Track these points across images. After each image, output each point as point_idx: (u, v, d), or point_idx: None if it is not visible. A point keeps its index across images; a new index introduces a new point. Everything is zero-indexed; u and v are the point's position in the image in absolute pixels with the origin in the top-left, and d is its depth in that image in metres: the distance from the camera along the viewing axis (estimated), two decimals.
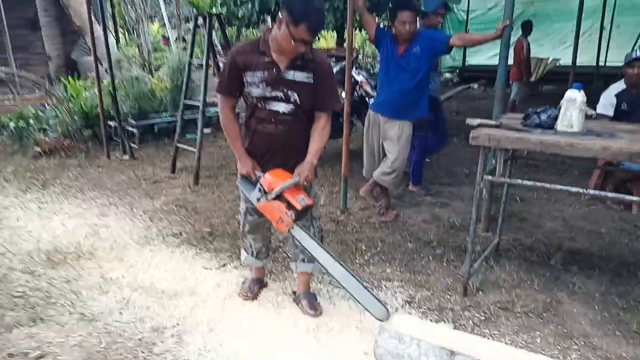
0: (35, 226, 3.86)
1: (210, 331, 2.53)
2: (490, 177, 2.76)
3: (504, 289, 2.96)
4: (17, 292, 2.89)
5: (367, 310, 2.30)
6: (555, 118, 2.67)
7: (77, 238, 3.63)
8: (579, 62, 9.73)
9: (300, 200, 2.30)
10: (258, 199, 2.37)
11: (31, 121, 6.24)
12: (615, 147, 2.33)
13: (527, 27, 7.72)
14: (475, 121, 2.80)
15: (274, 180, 2.32)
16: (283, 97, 2.36)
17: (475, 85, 12.17)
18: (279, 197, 2.31)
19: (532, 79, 9.51)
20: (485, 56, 12.88)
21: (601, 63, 10.96)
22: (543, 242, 3.57)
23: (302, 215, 2.42)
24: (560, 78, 8.99)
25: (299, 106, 2.38)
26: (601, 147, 2.35)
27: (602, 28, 9.97)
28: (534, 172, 5.28)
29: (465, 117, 4.44)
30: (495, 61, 3.57)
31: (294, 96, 2.36)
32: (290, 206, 2.30)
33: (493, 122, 2.79)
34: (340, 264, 2.34)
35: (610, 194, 2.74)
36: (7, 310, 2.70)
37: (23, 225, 3.89)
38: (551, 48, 12.73)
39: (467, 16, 13.57)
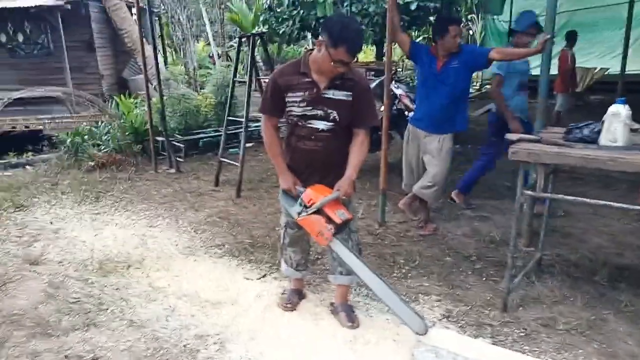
0: (88, 236, 4.10)
1: (251, 340, 2.62)
2: (530, 192, 2.73)
3: (546, 305, 2.90)
4: (73, 298, 3.09)
5: (405, 323, 2.33)
6: (599, 132, 2.63)
7: (126, 248, 3.83)
8: (629, 71, 9.39)
9: (339, 215, 2.37)
10: (299, 213, 2.45)
11: (85, 137, 6.63)
12: None
13: (571, 38, 7.53)
14: (516, 136, 2.79)
15: (315, 195, 2.40)
16: (322, 115, 2.45)
17: None
18: (319, 211, 2.38)
19: (579, 89, 9.24)
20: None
21: None
22: (588, 258, 3.47)
23: (342, 229, 2.47)
24: (609, 88, 8.69)
25: (337, 123, 2.47)
26: None
27: None
28: (579, 186, 5.13)
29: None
30: (538, 72, 3.52)
31: (333, 114, 2.44)
32: (329, 220, 2.37)
33: (533, 137, 2.77)
34: (379, 277, 2.38)
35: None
36: (64, 315, 2.89)
37: (78, 235, 4.13)
38: (599, 57, 12.33)
39: (510, 26, 13.34)
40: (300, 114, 2.46)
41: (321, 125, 2.46)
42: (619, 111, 2.51)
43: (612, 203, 2.60)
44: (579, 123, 2.75)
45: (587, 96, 10.14)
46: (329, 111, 2.44)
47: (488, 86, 14.28)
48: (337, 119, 2.46)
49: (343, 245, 2.43)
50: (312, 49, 2.44)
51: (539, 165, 2.65)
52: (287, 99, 2.46)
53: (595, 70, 10.13)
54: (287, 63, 2.57)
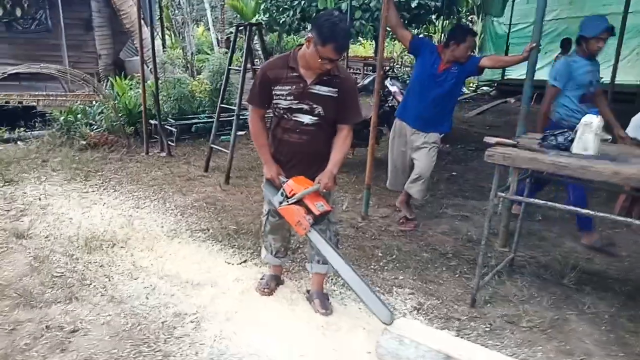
0: (76, 214, 4.17)
1: (226, 320, 2.72)
2: (503, 195, 2.84)
3: (513, 304, 3.03)
4: (57, 272, 3.17)
5: (373, 312, 2.44)
6: (572, 141, 2.73)
7: (113, 227, 3.91)
8: (623, 81, 9.50)
9: (318, 207, 2.47)
10: (280, 203, 2.55)
11: (79, 116, 6.67)
12: (626, 172, 2.39)
13: (566, 45, 7.63)
14: (493, 139, 2.89)
15: (296, 186, 2.50)
16: (308, 109, 2.53)
17: (512, 100, 12.04)
18: (299, 202, 2.48)
19: None
20: (525, 71, 12.72)
21: None
22: (559, 261, 3.59)
23: (320, 220, 2.57)
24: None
25: (322, 118, 2.56)
26: (612, 172, 2.40)
27: None
28: (560, 191, 5.26)
29: (499, 131, 4.35)
30: (535, 76, 3.58)
31: (318, 109, 2.53)
32: (309, 211, 2.47)
33: (510, 141, 2.87)
34: (351, 268, 2.48)
35: (619, 218, 2.75)
36: (47, 288, 2.98)
37: (65, 212, 4.21)
38: None
39: (509, 30, 13.44)
40: (286, 107, 2.54)
41: (306, 119, 2.55)
42: (591, 121, 2.61)
43: (583, 210, 2.70)
44: (555, 130, 2.85)
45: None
46: (314, 106, 2.53)
47: (485, 88, 14.41)
48: (322, 114, 2.54)
49: (320, 236, 2.53)
50: (301, 45, 2.52)
51: (513, 169, 2.76)
52: (274, 92, 2.54)
53: None
54: (276, 57, 2.65)
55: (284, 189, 2.53)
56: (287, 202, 2.51)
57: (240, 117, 5.26)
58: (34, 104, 7.98)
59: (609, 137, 2.75)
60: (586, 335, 2.74)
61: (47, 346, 2.44)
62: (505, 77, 13.88)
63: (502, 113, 10.86)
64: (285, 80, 2.51)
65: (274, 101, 2.57)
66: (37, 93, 8.58)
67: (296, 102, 2.52)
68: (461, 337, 2.64)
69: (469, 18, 15.24)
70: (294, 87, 2.51)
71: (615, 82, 6.96)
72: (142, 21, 9.44)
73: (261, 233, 3.05)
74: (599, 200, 4.99)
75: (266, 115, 2.75)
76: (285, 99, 2.53)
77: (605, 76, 10.21)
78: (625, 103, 9.20)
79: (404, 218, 4.18)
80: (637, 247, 3.97)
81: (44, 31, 10.23)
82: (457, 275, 3.38)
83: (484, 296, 3.07)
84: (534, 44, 3.44)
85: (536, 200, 2.84)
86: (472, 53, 3.80)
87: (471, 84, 15.47)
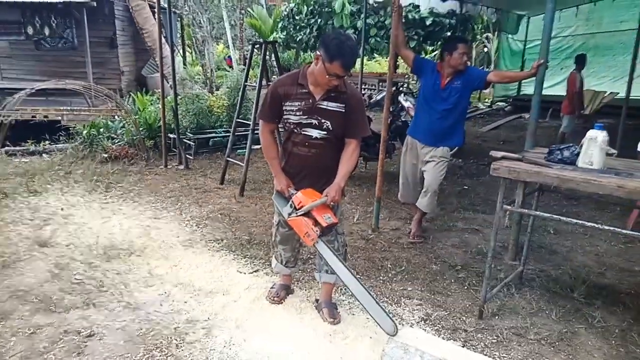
0: (96, 223, 4.32)
1: (237, 328, 2.79)
2: (509, 207, 2.88)
3: (521, 316, 3.04)
4: (76, 279, 3.30)
5: (378, 324, 2.47)
6: (578, 155, 2.77)
7: (130, 236, 4.05)
8: (638, 96, 9.40)
9: (326, 219, 2.55)
10: (289, 214, 2.64)
11: (101, 130, 6.90)
12: (630, 186, 2.41)
13: (580, 61, 7.64)
14: (499, 153, 2.94)
15: (305, 198, 2.58)
16: (317, 124, 2.63)
17: (527, 115, 11.95)
18: (308, 214, 2.57)
19: (587, 112, 9.31)
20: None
21: None
22: (569, 275, 3.59)
23: (327, 232, 2.65)
24: (617, 112, 8.76)
25: (330, 132, 2.65)
26: (616, 186, 2.43)
27: None
28: (574, 206, 5.25)
29: (512, 146, 4.32)
30: (550, 92, 3.62)
31: (327, 124, 2.63)
32: (316, 223, 2.55)
33: (516, 155, 2.92)
34: (357, 279, 2.53)
35: (630, 232, 2.74)
36: (66, 294, 3.10)
37: (86, 222, 4.36)
38: (613, 81, 12.36)
39: (525, 46, 13.44)
40: (296, 121, 2.65)
41: (315, 133, 2.65)
42: (596, 136, 2.65)
43: (588, 223, 2.71)
44: (560, 145, 2.89)
45: (594, 119, 10.18)
46: (323, 121, 2.63)
47: (500, 103, 14.39)
48: (330, 128, 2.64)
49: (327, 247, 2.60)
50: (310, 63, 2.63)
51: (519, 183, 2.80)
52: (284, 108, 2.65)
53: (606, 94, 10.18)
54: (286, 74, 2.75)
55: (292, 201, 2.62)
56: (296, 213, 2.59)
57: (255, 131, 5.39)
58: (59, 118, 8.26)
59: (614, 151, 2.78)
60: (595, 349, 2.74)
61: (65, 349, 2.55)
62: (521, 93, 13.85)
63: (516, 128, 10.83)
64: (294, 97, 2.62)
65: (285, 116, 2.67)
66: (61, 108, 8.89)
67: (305, 117, 2.62)
68: (467, 348, 2.67)
69: (484, 36, 15.29)
70: (303, 103, 2.61)
71: (630, 97, 6.91)
72: (164, 39, 9.75)
73: (272, 243, 3.14)
74: (612, 215, 4.97)
75: (280, 130, 2.85)
76: (295, 114, 2.63)
77: (621, 91, 10.20)
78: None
79: (415, 230, 4.22)
80: None
81: (70, 49, 10.64)
82: (465, 288, 3.40)
83: (492, 308, 3.09)
84: (542, 60, 3.49)
85: (542, 214, 2.87)
86: (467, 60, 3.83)
87: (486, 99, 15.47)
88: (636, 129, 4.07)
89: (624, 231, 2.70)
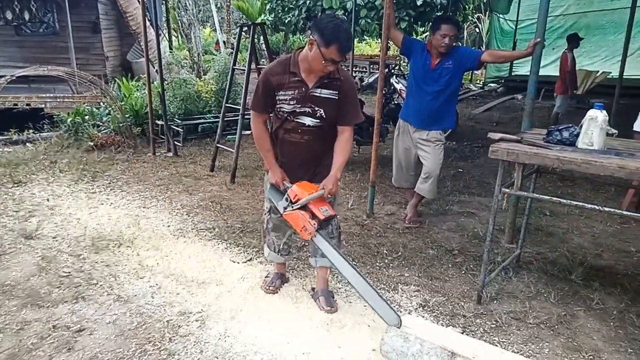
0: (83, 214, 4.21)
1: (231, 319, 2.72)
2: (508, 190, 2.81)
3: (519, 300, 3.00)
4: (64, 272, 3.20)
5: (381, 317, 2.38)
6: (577, 135, 2.71)
7: (119, 227, 3.94)
8: (632, 76, 9.39)
9: (323, 211, 2.46)
10: (285, 208, 2.55)
11: (86, 117, 6.72)
12: (631, 166, 2.35)
13: (571, 40, 7.57)
14: (497, 135, 2.87)
15: (300, 191, 2.49)
16: (310, 112, 2.55)
17: (520, 96, 11.95)
18: (304, 207, 2.48)
19: (580, 92, 9.28)
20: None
21: None
22: (567, 257, 3.56)
23: (325, 225, 2.57)
24: (610, 92, 8.75)
25: (323, 120, 2.57)
26: (617, 166, 2.37)
27: None
28: (569, 187, 5.23)
29: (506, 127, 4.23)
30: (542, 72, 3.53)
31: (320, 111, 2.55)
32: (313, 216, 2.46)
33: (514, 137, 2.85)
34: (357, 272, 2.45)
35: (627, 213, 2.71)
36: (54, 287, 3.01)
37: (73, 213, 4.24)
38: (604, 60, 12.35)
39: (516, 26, 13.34)
40: (290, 110, 2.56)
41: (308, 121, 2.57)
42: (596, 116, 2.58)
43: (588, 205, 2.66)
44: (559, 125, 2.82)
45: (587, 99, 10.17)
46: (316, 108, 2.54)
47: (492, 85, 14.31)
48: (324, 116, 2.56)
49: (326, 240, 2.52)
50: (301, 48, 2.52)
51: (517, 165, 2.73)
52: (278, 97, 2.55)
53: (598, 74, 10.15)
54: (275, 62, 2.63)
55: (288, 195, 2.53)
56: (292, 207, 2.51)
57: (246, 116, 5.26)
58: (42, 106, 8.05)
59: (615, 131, 2.71)
60: (594, 331, 2.71)
61: (54, 345, 2.46)
62: (513, 74, 13.79)
63: (509, 110, 10.80)
64: (287, 86, 2.52)
65: (278, 105, 2.58)
66: (44, 95, 8.65)
67: (299, 105, 2.54)
68: (467, 334, 2.63)
69: (476, 16, 15.14)
70: (297, 91, 2.52)
71: (624, 77, 6.87)
72: (148, 22, 9.50)
73: (263, 231, 3.05)
74: (606, 196, 4.95)
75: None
76: (288, 104, 2.54)
77: (614, 71, 10.18)
78: (634, 97, 9.12)
79: (410, 215, 4.16)
80: None
81: (51, 34, 10.33)
82: (463, 272, 3.36)
83: (490, 293, 3.05)
84: (539, 39, 3.40)
85: (541, 196, 2.81)
86: (451, 42, 3.70)
87: (478, 81, 15.39)
88: (630, 108, 4.00)
89: (625, 212, 2.67)
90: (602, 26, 12.73)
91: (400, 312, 2.81)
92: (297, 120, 2.57)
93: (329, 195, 2.56)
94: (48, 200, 4.51)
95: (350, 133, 2.63)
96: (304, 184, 2.56)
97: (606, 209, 2.55)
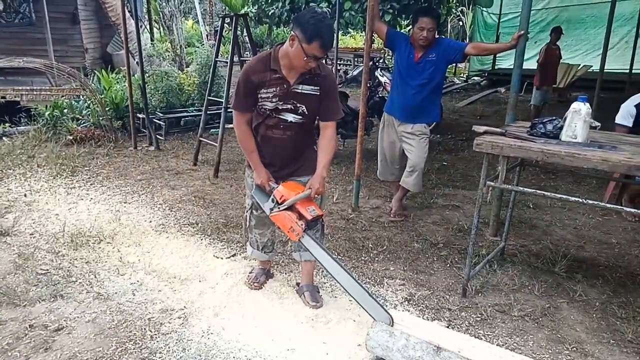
0: (62, 210, 4.10)
1: (215, 315, 2.68)
2: (492, 183, 2.81)
3: (504, 293, 3.01)
4: (42, 269, 3.11)
5: (372, 316, 2.33)
6: (561, 128, 2.71)
7: (99, 223, 3.85)
8: (613, 69, 9.49)
9: (310, 211, 2.43)
10: (271, 209, 2.50)
11: (65, 111, 6.55)
12: (614, 159, 2.36)
13: (553, 33, 7.68)
14: (482, 128, 2.86)
15: (287, 192, 2.45)
16: (292, 108, 2.51)
17: (503, 89, 12.04)
18: (291, 207, 2.44)
19: (562, 85, 9.38)
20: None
21: (637, 71, 10.66)
22: (550, 249, 3.58)
23: (313, 225, 2.53)
24: (591, 85, 8.85)
25: (305, 116, 2.54)
26: (600, 159, 2.38)
27: (637, 35, 9.69)
28: (551, 180, 5.27)
29: (489, 120, 4.19)
30: (525, 65, 3.53)
31: (302, 108, 2.51)
32: (300, 216, 2.42)
33: (499, 130, 2.84)
34: (347, 272, 2.41)
35: (609, 205, 2.73)
36: (32, 286, 2.92)
37: (51, 208, 4.13)
38: (585, 54, 12.49)
39: (499, 20, 13.41)
40: (272, 107, 2.51)
41: (290, 117, 2.53)
42: (579, 108, 2.58)
43: (572, 198, 2.67)
44: (543, 118, 2.83)
45: (568, 93, 10.29)
46: (298, 105, 2.51)
47: (475, 78, 14.38)
48: (306, 112, 2.53)
49: (314, 241, 2.48)
50: (281, 44, 2.47)
51: (502, 158, 2.72)
52: (260, 95, 2.50)
53: (579, 67, 10.26)
54: (255, 59, 2.56)
55: (274, 195, 2.48)
56: (279, 208, 2.46)
57: (229, 109, 5.19)
58: (18, 99, 7.83)
59: (598, 124, 2.72)
60: (577, 323, 2.73)
61: (30, 345, 2.39)
62: (496, 67, 13.88)
63: (492, 103, 10.87)
64: (269, 83, 2.47)
65: (260, 103, 2.52)
66: (20, 88, 8.41)
67: (281, 103, 2.50)
68: (452, 328, 2.63)
69: (459, 9, 15.18)
70: (278, 88, 2.47)
71: (605, 71, 6.94)
72: (128, 13, 9.30)
73: (245, 229, 2.98)
74: (588, 188, 5.01)
75: None
76: (270, 101, 2.49)
77: (595, 64, 10.29)
78: (615, 91, 9.24)
79: (395, 209, 4.15)
80: (627, 233, 3.97)
81: (27, 25, 10.03)
82: (448, 266, 3.36)
83: (475, 286, 3.06)
84: (522, 32, 3.39)
85: (526, 189, 2.82)
86: (430, 35, 3.65)
87: (462, 74, 15.46)
88: (610, 102, 4.04)
89: (608, 205, 2.68)
90: (583, 20, 12.87)
91: (386, 306, 2.79)
92: (279, 116, 2.53)
93: (316, 195, 2.53)
94: (25, 195, 4.40)
95: (333, 130, 2.60)
96: (290, 184, 2.52)
97: (589, 201, 2.56)
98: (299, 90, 2.48)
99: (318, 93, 2.50)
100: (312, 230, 2.56)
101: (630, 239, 3.87)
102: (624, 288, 3.10)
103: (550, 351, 2.48)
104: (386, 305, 2.80)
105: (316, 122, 2.66)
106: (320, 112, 2.56)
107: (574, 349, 2.49)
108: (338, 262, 2.44)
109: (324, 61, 2.96)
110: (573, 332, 2.64)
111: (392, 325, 2.26)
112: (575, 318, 2.77)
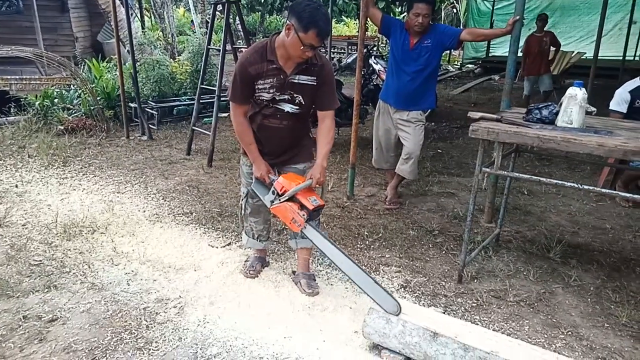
0: (54, 200, 4.06)
1: (210, 304, 2.67)
2: (488, 170, 2.80)
3: (499, 279, 3.02)
4: (35, 260, 3.08)
5: (379, 304, 2.28)
6: (557, 114, 2.70)
7: (92, 213, 3.81)
8: (606, 56, 9.49)
9: (312, 201, 2.41)
10: (272, 202, 2.48)
11: (55, 100, 6.47)
12: (610, 144, 2.35)
13: (541, 20, 7.68)
14: (477, 114, 2.84)
15: (287, 182, 2.43)
16: (289, 99, 2.49)
17: (497, 77, 12.03)
18: (292, 198, 2.41)
19: (555, 72, 9.37)
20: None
21: (630, 58, 10.67)
22: (545, 235, 3.59)
23: (314, 215, 2.50)
24: (585, 72, 8.85)
25: (302, 106, 2.52)
26: (597, 144, 2.37)
27: (631, 21, 9.68)
28: (545, 166, 5.28)
29: (484, 108, 4.18)
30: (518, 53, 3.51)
31: (299, 98, 2.49)
32: (302, 207, 2.40)
33: (494, 116, 2.82)
34: (351, 260, 2.38)
35: (604, 190, 2.73)
36: (25, 277, 2.89)
37: (44, 199, 4.09)
38: (579, 41, 12.47)
39: (493, 7, 13.35)
40: (269, 98, 2.49)
41: (287, 107, 2.51)
42: (575, 94, 2.57)
43: (568, 183, 2.67)
44: (539, 104, 2.81)
45: (562, 80, 10.28)
46: (295, 95, 2.48)
47: (469, 65, 14.35)
48: (303, 103, 2.51)
49: (316, 231, 2.46)
50: (277, 33, 2.43)
51: (497, 144, 2.71)
52: (257, 86, 2.47)
53: (573, 54, 10.25)
54: (251, 49, 2.51)
55: (275, 187, 2.45)
56: (279, 200, 2.44)
57: (222, 98, 5.14)
58: (7, 88, 7.71)
59: (594, 109, 2.71)
60: (572, 307, 2.75)
61: (25, 337, 2.37)
62: (490, 55, 13.85)
63: (486, 90, 10.85)
64: (266, 74, 2.44)
65: (257, 94, 2.49)
66: (9, 77, 8.28)
67: (278, 93, 2.47)
68: (448, 314, 2.64)
69: None
70: (275, 79, 2.44)
71: (598, 58, 6.94)
72: (118, 1, 9.15)
73: (241, 217, 2.96)
74: (582, 174, 5.02)
75: None
76: (268, 92, 2.47)
77: (588, 51, 10.28)
78: (609, 78, 9.26)
79: (390, 196, 4.14)
80: (621, 219, 3.99)
81: (15, 13, 9.84)
82: (443, 252, 3.37)
83: (471, 272, 3.06)
84: (517, 17, 3.37)
85: (521, 175, 2.81)
86: (425, 21, 3.62)
87: (456, 62, 15.42)
88: (604, 88, 4.05)
89: (603, 190, 2.69)
90: (577, 7, 12.84)
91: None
92: (276, 106, 2.51)
93: (317, 186, 2.51)
94: (17, 186, 4.34)
95: (332, 119, 2.58)
96: (290, 175, 2.50)
97: (584, 186, 2.56)
98: (296, 81, 2.45)
99: (315, 83, 2.48)
100: (314, 221, 2.54)
101: (624, 224, 3.89)
102: (618, 272, 3.12)
103: (545, 336, 2.49)
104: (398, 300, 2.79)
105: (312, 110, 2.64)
106: (317, 102, 2.54)
107: (569, 333, 2.51)
108: (342, 251, 2.42)
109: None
110: (568, 317, 2.66)
111: (398, 315, 2.24)
112: (570, 303, 2.79)
